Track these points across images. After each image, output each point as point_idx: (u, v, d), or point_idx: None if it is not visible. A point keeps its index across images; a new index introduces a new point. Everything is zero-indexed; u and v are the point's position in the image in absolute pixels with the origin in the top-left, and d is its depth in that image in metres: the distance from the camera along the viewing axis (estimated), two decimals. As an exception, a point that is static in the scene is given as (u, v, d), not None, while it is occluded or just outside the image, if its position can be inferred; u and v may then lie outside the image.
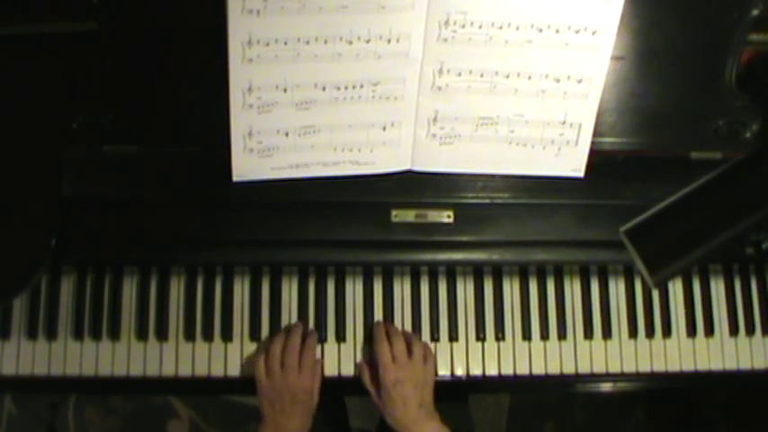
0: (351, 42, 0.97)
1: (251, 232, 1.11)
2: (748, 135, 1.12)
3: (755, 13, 1.08)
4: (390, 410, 1.09)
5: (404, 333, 1.16)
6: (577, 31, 0.99)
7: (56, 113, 1.08)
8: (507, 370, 1.18)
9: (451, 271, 1.19)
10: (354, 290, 1.18)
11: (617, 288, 1.21)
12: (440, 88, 1.03)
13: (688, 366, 1.20)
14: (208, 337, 1.16)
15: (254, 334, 1.16)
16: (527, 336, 1.19)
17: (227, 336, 1.16)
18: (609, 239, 1.11)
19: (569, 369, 1.19)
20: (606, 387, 1.22)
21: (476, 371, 1.18)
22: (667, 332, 1.20)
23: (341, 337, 1.17)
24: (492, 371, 1.18)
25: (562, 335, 1.19)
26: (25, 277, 1.07)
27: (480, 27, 0.98)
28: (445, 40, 0.99)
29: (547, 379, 1.19)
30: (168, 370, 1.15)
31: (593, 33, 1.00)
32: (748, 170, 0.67)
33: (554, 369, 1.18)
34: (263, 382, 1.09)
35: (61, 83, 1.11)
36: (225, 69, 0.97)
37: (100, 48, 1.04)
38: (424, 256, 1.15)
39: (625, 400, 1.98)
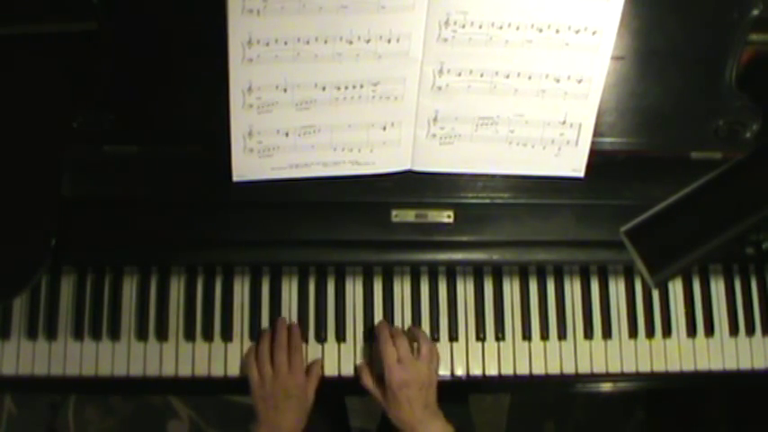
0: (351, 42, 0.97)
1: (251, 232, 1.11)
2: (748, 135, 1.12)
3: (755, 13, 1.08)
4: (396, 412, 1.09)
5: (411, 330, 1.16)
6: (577, 31, 0.99)
7: (56, 113, 1.08)
8: (507, 370, 1.18)
9: (451, 271, 1.19)
10: (354, 290, 1.18)
11: (617, 288, 1.21)
12: (440, 88, 1.03)
13: (688, 366, 1.20)
14: (208, 337, 1.16)
15: (254, 334, 1.16)
16: (527, 336, 1.19)
17: (227, 336, 1.16)
18: (609, 239, 1.11)
19: (569, 369, 1.19)
20: (606, 387, 1.22)
21: (476, 371, 1.18)
22: (667, 332, 1.20)
23: (341, 337, 1.17)
24: (492, 371, 1.18)
25: (562, 335, 1.19)
26: (25, 277, 1.07)
27: (480, 27, 0.98)
28: (445, 40, 0.99)
29: (547, 379, 1.19)
30: (168, 370, 1.15)
31: (594, 33, 1.00)
32: (748, 170, 0.67)
33: (554, 369, 1.18)
34: (254, 381, 1.10)
35: (61, 83, 1.11)
36: (225, 69, 0.97)
37: (100, 48, 1.04)
38: (424, 256, 1.15)
39: (625, 400, 1.98)
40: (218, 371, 1.15)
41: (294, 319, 1.17)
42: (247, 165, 1.06)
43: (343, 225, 1.12)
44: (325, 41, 0.97)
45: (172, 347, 1.16)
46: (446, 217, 1.13)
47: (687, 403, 1.89)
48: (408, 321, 1.18)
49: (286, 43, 0.96)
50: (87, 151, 1.08)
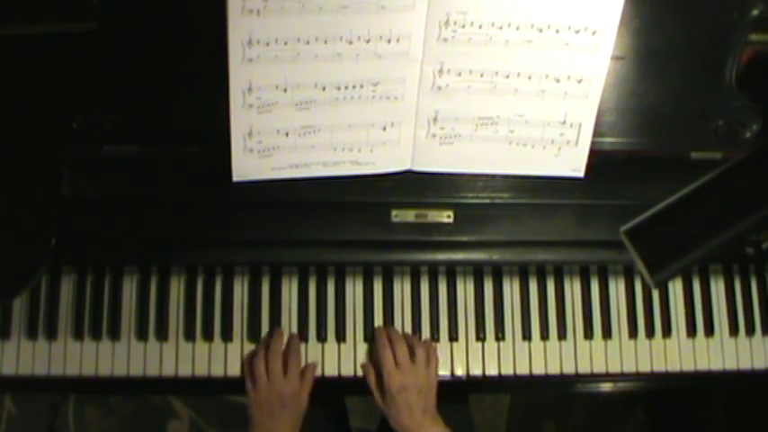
0: (351, 42, 0.97)
1: (251, 232, 1.11)
2: (748, 135, 1.12)
3: (755, 13, 1.08)
4: (396, 416, 1.09)
5: (405, 336, 1.16)
6: (577, 31, 0.99)
7: (56, 113, 1.08)
8: (507, 370, 1.18)
9: (451, 271, 1.19)
10: (354, 290, 1.18)
11: (617, 288, 1.21)
12: (440, 88, 1.03)
13: (688, 366, 1.20)
14: (208, 337, 1.16)
15: (254, 334, 1.16)
16: (527, 336, 1.19)
17: (227, 336, 1.16)
18: (609, 239, 1.11)
19: (569, 369, 1.19)
20: (606, 387, 1.22)
21: (476, 371, 1.18)
22: (667, 332, 1.20)
23: (341, 337, 1.17)
24: (492, 371, 1.18)
25: (562, 335, 1.19)
26: (25, 277, 1.07)
27: (480, 27, 0.98)
28: (445, 40, 0.99)
29: (547, 379, 1.19)
30: (168, 370, 1.15)
31: (594, 33, 1.00)
32: (748, 170, 0.66)
33: (554, 369, 1.18)
34: (250, 388, 1.10)
35: (61, 83, 1.11)
36: (225, 69, 0.97)
37: (100, 48, 1.04)
38: (424, 256, 1.15)
39: (625, 400, 1.98)
40: (218, 371, 1.15)
41: (294, 318, 1.17)
42: (247, 165, 1.06)
43: (343, 225, 1.12)
44: (325, 41, 0.97)
45: (172, 347, 1.16)
46: (446, 217, 1.13)
47: (687, 403, 1.89)
48: (408, 321, 1.18)
49: (286, 43, 0.96)
50: (87, 151, 1.08)
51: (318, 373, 1.15)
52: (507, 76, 1.03)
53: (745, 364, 1.21)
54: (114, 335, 1.15)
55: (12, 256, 1.08)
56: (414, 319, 1.18)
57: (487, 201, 1.13)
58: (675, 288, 1.22)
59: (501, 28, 0.99)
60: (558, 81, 1.03)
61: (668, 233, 0.68)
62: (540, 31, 0.99)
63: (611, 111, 1.10)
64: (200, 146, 1.09)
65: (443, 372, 1.17)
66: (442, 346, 1.18)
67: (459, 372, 1.18)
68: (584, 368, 1.19)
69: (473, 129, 1.07)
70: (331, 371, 1.16)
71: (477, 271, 1.20)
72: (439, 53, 1.00)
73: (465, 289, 1.19)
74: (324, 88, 1.01)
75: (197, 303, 1.16)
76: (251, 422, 1.10)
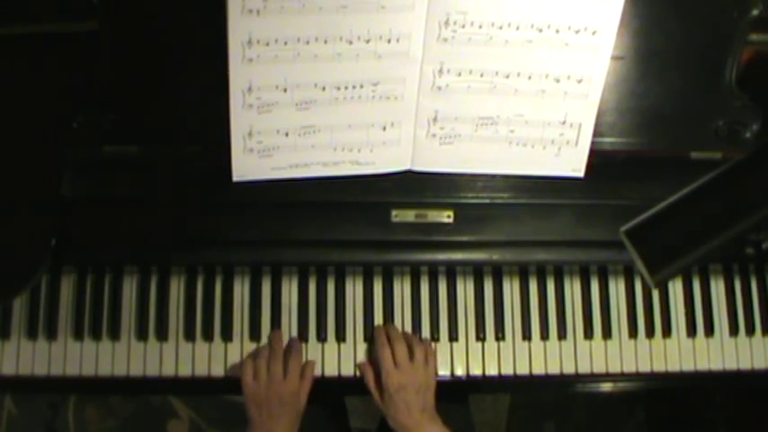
0: (351, 42, 0.97)
1: (251, 232, 1.11)
2: (748, 135, 1.12)
3: (755, 13, 1.08)
4: (394, 415, 1.09)
5: (404, 335, 1.16)
6: (577, 31, 0.99)
7: (56, 113, 1.08)
8: (507, 370, 1.18)
9: (451, 271, 1.19)
10: (354, 290, 1.18)
11: (617, 288, 1.21)
12: (440, 88, 1.03)
13: (688, 366, 1.20)
14: (208, 337, 1.16)
15: (254, 334, 1.16)
16: (527, 336, 1.19)
17: (227, 336, 1.16)
18: (609, 239, 1.11)
19: (569, 369, 1.19)
20: (606, 387, 1.22)
21: (476, 371, 1.18)
22: (667, 332, 1.20)
23: (341, 337, 1.17)
24: (492, 371, 1.18)
25: (562, 335, 1.19)
26: (25, 277, 1.07)
27: (480, 27, 0.98)
28: (445, 40, 0.99)
29: (547, 379, 1.19)
30: (168, 370, 1.15)
31: (594, 33, 1.00)
32: (748, 170, 0.66)
33: (554, 369, 1.18)
34: (249, 388, 1.10)
35: (61, 83, 1.11)
36: (225, 69, 0.97)
37: (100, 48, 1.04)
38: (424, 256, 1.15)
39: (625, 400, 1.98)
40: (218, 371, 1.15)
41: (294, 318, 1.17)
42: (247, 165, 1.06)
43: (343, 225, 1.12)
44: (325, 41, 0.97)
45: (172, 347, 1.15)
46: (446, 217, 1.13)
47: (687, 403, 1.89)
48: (408, 321, 1.18)
49: (286, 43, 0.96)
50: (87, 151, 1.08)
51: (318, 372, 1.15)
52: (507, 76, 1.03)
53: (745, 364, 1.21)
54: (114, 335, 1.15)
55: (12, 256, 1.08)
56: (414, 319, 1.18)
57: (487, 201, 1.13)
58: (675, 288, 1.22)
59: (501, 28, 0.99)
60: (557, 81, 1.03)
61: (668, 233, 0.68)
62: (540, 31, 0.99)
63: (611, 111, 1.10)
64: (200, 146, 1.09)
65: (443, 372, 1.17)
66: (442, 346, 1.18)
67: (459, 372, 1.18)
68: (584, 368, 1.19)
69: (473, 129, 1.07)
70: (331, 371, 1.16)
71: (477, 271, 1.20)
72: (439, 53, 1.00)
73: (465, 289, 1.19)
74: (324, 88, 1.01)
75: (197, 303, 1.16)
76: (249, 421, 1.10)
